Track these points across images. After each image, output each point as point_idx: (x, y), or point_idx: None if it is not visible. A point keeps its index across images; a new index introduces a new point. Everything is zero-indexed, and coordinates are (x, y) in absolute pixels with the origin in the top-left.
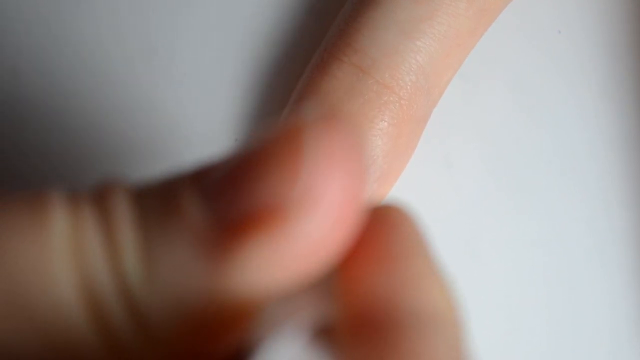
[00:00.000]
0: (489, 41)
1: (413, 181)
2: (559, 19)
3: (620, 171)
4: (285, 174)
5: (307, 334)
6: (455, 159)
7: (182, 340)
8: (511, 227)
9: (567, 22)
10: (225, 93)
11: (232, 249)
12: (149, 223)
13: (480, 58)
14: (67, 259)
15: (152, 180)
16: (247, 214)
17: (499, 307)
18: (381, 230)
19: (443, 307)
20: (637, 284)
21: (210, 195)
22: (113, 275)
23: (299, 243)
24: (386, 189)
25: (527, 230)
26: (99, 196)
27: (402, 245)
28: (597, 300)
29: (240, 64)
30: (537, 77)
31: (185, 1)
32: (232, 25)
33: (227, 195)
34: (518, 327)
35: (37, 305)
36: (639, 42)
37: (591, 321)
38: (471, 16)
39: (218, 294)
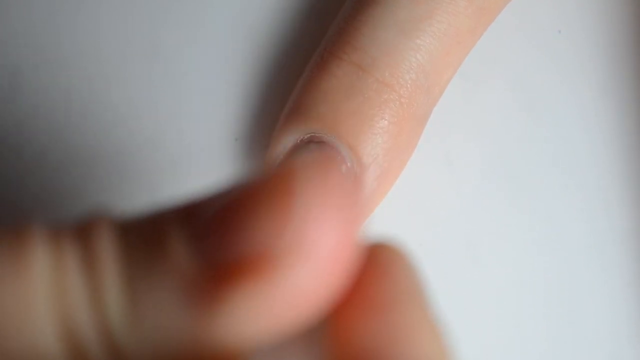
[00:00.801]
0: (489, 41)
1: (413, 180)
2: (559, 18)
3: (620, 171)
4: (275, 220)
5: None
6: (456, 158)
7: None
8: (511, 227)
9: (567, 22)
10: (225, 93)
11: (219, 296)
12: (134, 264)
13: (480, 57)
14: (47, 302)
15: (138, 214)
16: (236, 260)
17: (498, 307)
18: (374, 275)
19: (436, 357)
20: (637, 284)
21: (198, 237)
22: (95, 319)
23: (288, 292)
24: (386, 187)
25: (527, 230)
26: (82, 233)
27: (395, 291)
28: (597, 300)
29: (240, 64)
30: (537, 76)
31: (185, 1)
32: (232, 25)
33: (215, 238)
34: (518, 327)
35: (18, 350)
36: (639, 42)
37: (591, 321)
38: (471, 15)
39: (203, 341)
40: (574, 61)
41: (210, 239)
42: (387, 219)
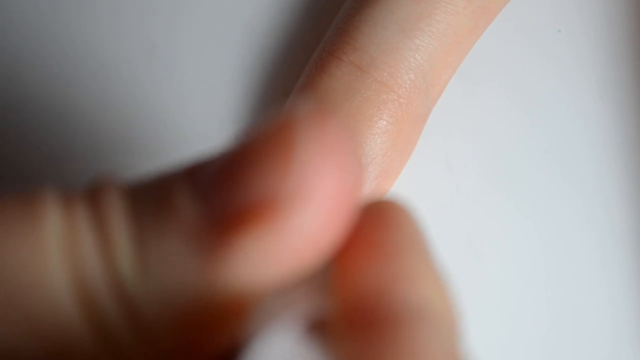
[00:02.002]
0: (489, 40)
1: (413, 181)
2: (558, 18)
3: (620, 171)
4: (276, 168)
5: (301, 328)
6: (455, 157)
7: (176, 335)
8: (511, 226)
9: (567, 22)
10: (225, 92)
11: (226, 243)
12: (143, 220)
13: (479, 57)
14: (60, 258)
15: (145, 177)
16: (240, 209)
17: (498, 307)
18: (378, 224)
19: (438, 303)
20: (637, 284)
21: (204, 191)
22: (107, 273)
23: (292, 237)
24: (385, 187)
25: (527, 230)
26: (92, 194)
27: (398, 239)
28: (597, 300)
29: (240, 64)
30: (537, 76)
31: (185, 1)
32: (232, 25)
33: (220, 191)
34: (518, 326)
35: (32, 305)
36: (639, 42)
37: (591, 321)
38: (470, 14)
39: (212, 289)
40: (574, 61)
41: (215, 190)
42: None
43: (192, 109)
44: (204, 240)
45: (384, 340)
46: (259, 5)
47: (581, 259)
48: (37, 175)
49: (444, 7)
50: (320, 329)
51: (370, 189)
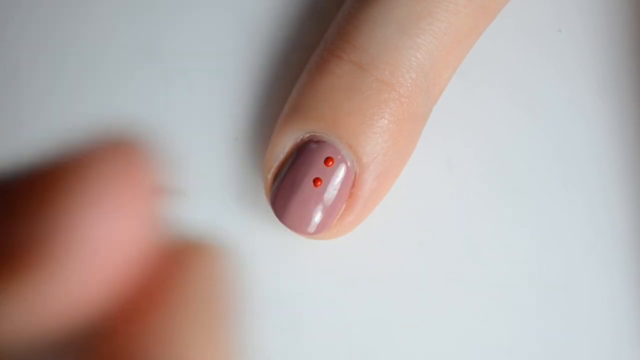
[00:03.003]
0: (489, 40)
1: (413, 180)
2: (559, 18)
3: (620, 171)
4: (35, 211)
5: None
6: (456, 157)
7: None
8: (511, 226)
9: (567, 22)
10: (225, 93)
11: None
12: None
13: (480, 57)
14: None
15: None
16: None
17: (498, 307)
18: (171, 272)
19: None
20: (637, 284)
21: None
22: None
23: (51, 294)
24: (386, 186)
25: (527, 230)
26: None
27: (183, 294)
28: (597, 300)
29: (240, 64)
30: (537, 76)
31: (185, 1)
32: (232, 25)
33: None
34: (518, 326)
35: None
36: (639, 42)
37: (591, 321)
38: (471, 13)
39: None
40: (575, 61)
41: None
42: (387, 219)
43: (192, 108)
44: None
45: None
46: (259, 5)
47: (581, 259)
48: None
49: (445, 6)
50: None
51: (370, 188)
